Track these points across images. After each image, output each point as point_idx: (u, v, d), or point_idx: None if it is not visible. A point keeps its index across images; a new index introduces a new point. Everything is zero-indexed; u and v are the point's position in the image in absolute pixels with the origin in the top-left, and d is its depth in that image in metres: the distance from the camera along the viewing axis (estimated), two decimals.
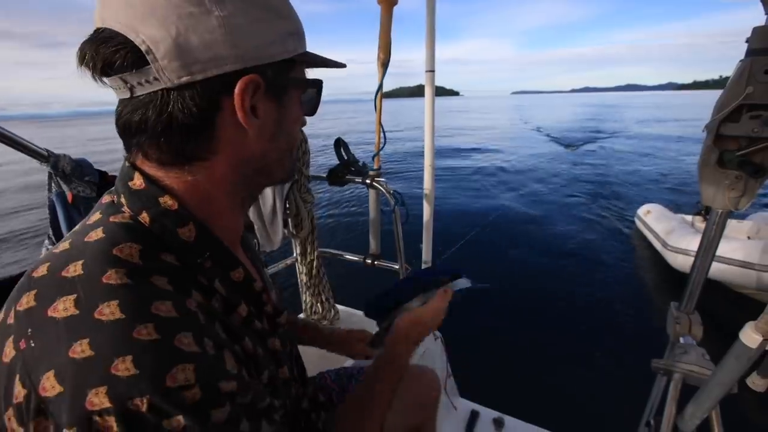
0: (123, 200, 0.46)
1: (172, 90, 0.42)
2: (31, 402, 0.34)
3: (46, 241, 1.13)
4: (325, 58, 0.56)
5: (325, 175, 1.58)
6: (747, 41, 0.86)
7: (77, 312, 0.36)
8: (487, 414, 1.94)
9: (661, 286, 5.19)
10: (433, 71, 1.42)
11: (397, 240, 1.58)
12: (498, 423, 1.88)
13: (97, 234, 0.42)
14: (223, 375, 0.39)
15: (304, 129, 1.49)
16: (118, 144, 0.49)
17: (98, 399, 0.33)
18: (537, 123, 32.04)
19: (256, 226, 1.46)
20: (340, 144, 1.51)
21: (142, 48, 0.40)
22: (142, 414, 0.33)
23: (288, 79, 0.51)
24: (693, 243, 4.84)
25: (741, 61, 0.88)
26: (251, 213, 1.76)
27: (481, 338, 3.98)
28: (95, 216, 0.46)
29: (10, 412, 0.35)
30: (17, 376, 0.35)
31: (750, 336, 0.82)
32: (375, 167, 1.55)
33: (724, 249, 4.47)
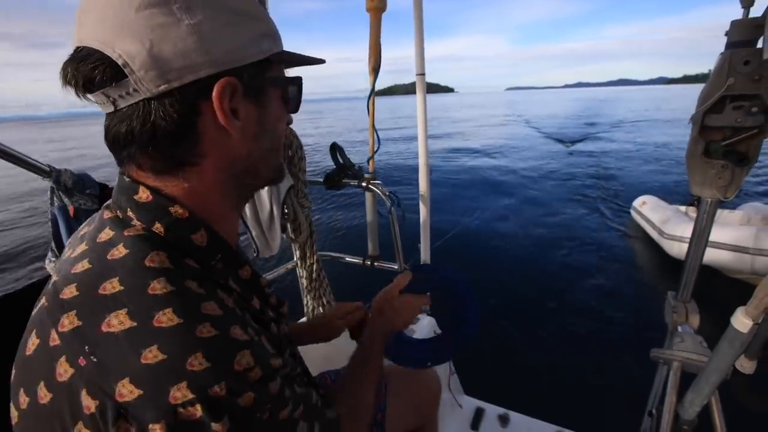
0: (131, 214, 0.48)
1: (152, 99, 0.44)
2: (107, 409, 0.37)
3: (49, 254, 1.15)
4: (302, 56, 0.58)
5: (322, 180, 1.60)
6: (726, 34, 0.89)
7: (135, 324, 0.39)
8: (492, 410, 1.95)
9: (660, 274, 5.23)
10: (423, 74, 1.45)
11: (395, 241, 1.59)
12: (503, 419, 1.89)
13: (120, 250, 0.44)
14: (270, 354, 0.46)
15: (300, 134, 1.51)
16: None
17: (181, 393, 0.37)
18: (532, 119, 32.13)
19: (254, 232, 1.47)
20: (335, 149, 1.53)
21: (119, 62, 0.42)
22: (222, 397, 0.38)
23: (265, 79, 0.52)
24: (689, 230, 4.88)
25: (721, 53, 0.90)
26: (250, 220, 1.78)
27: (483, 335, 3.99)
28: (106, 233, 0.47)
29: (80, 425, 0.38)
30: (84, 390, 0.38)
31: (741, 321, 0.84)
32: (370, 170, 1.58)
33: (719, 235, 4.52)
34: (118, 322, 0.39)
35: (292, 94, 0.58)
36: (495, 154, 15.22)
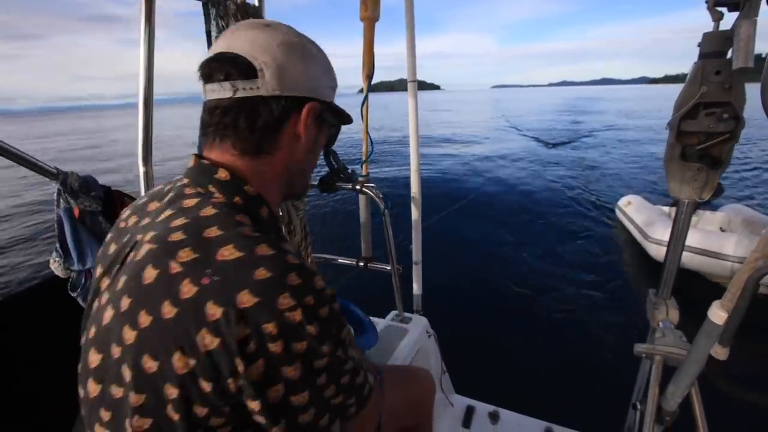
0: (212, 189, 0.62)
1: (265, 97, 0.63)
2: (230, 315, 0.48)
3: (54, 254, 1.16)
4: (346, 114, 0.81)
5: (316, 183, 1.62)
6: (698, 45, 0.95)
7: (242, 254, 0.52)
8: (482, 408, 1.98)
9: (644, 275, 5.34)
10: (415, 81, 1.49)
11: (388, 242, 1.63)
12: (493, 416, 1.93)
13: (209, 210, 0.58)
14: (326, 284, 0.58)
15: None
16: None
17: (286, 301, 0.50)
18: (517, 118, 32.36)
19: None
20: (329, 153, 1.56)
21: (257, 65, 0.62)
22: (311, 306, 0.52)
23: (327, 116, 0.74)
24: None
25: (695, 63, 0.96)
26: None
27: (472, 335, 4.04)
28: (191, 201, 0.60)
29: (204, 331, 0.48)
30: (210, 302, 0.49)
31: (716, 314, 0.89)
32: (364, 173, 1.61)
33: (700, 241, 4.65)
34: (228, 253, 0.52)
35: (333, 133, 0.82)
36: (478, 152, 15.30)
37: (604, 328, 4.13)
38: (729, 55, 0.91)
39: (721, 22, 0.91)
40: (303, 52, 0.67)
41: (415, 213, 1.71)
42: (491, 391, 2.14)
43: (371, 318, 1.30)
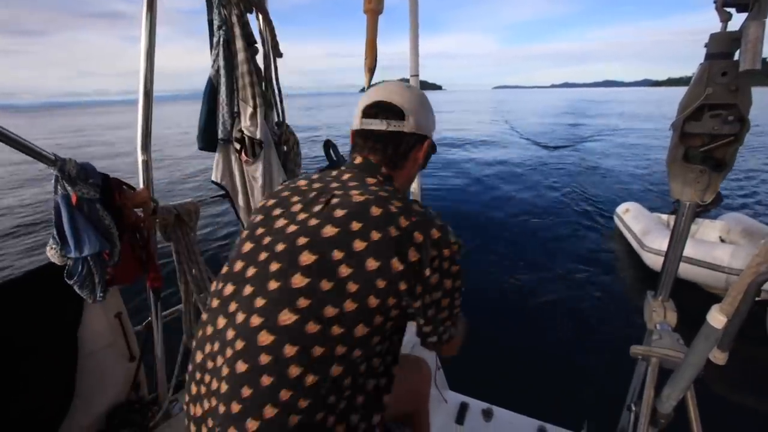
0: (380, 178, 0.91)
1: (407, 133, 0.93)
2: (427, 241, 0.76)
3: (51, 241, 1.15)
4: (435, 145, 1.06)
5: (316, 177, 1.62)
6: (705, 46, 0.94)
7: (423, 210, 0.81)
8: (476, 405, 1.99)
9: (640, 278, 5.34)
10: (417, 75, 1.48)
11: None
12: (487, 413, 1.94)
13: (387, 191, 0.84)
14: None
15: (295, 129, 1.53)
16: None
17: (452, 239, 0.80)
18: (518, 120, 32.32)
19: (246, 224, 1.50)
20: (329, 146, 1.55)
21: (406, 112, 0.92)
22: (458, 246, 0.81)
23: (431, 150, 1.02)
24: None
25: (701, 64, 0.95)
26: (242, 211, 1.79)
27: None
28: (371, 182, 0.89)
29: (412, 249, 0.74)
30: (416, 231, 0.75)
31: (716, 317, 0.89)
32: None
33: (697, 252, 4.65)
34: (417, 207, 0.81)
35: (428, 159, 1.04)
36: (478, 153, 15.30)
37: (599, 331, 4.14)
38: (736, 56, 0.90)
39: (729, 23, 0.90)
40: (426, 105, 0.97)
41: None
42: (485, 389, 2.14)
43: None
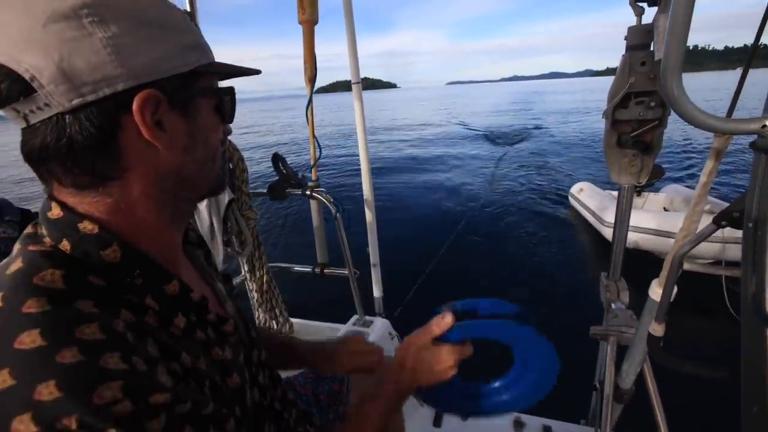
0: (43, 231, 0.48)
1: (66, 114, 0.43)
2: None
3: None
4: (235, 67, 0.58)
5: (265, 191, 1.58)
6: (625, 39, 0.99)
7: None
8: None
9: (601, 257, 5.52)
10: (359, 83, 1.48)
11: (343, 247, 1.61)
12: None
13: (17, 264, 0.43)
14: (156, 388, 0.41)
15: (240, 146, 1.49)
16: None
17: (24, 426, 0.34)
18: (471, 117, 32.93)
19: None
20: (278, 159, 1.53)
21: (26, 76, 0.41)
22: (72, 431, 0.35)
23: (193, 91, 0.53)
24: (633, 218, 5.29)
25: (623, 55, 1.00)
26: None
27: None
28: (16, 247, 0.47)
29: None
30: None
31: (655, 291, 0.94)
32: (313, 179, 1.58)
33: (651, 221, 4.94)
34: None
35: (225, 105, 0.58)
36: (428, 149, 15.43)
37: (566, 316, 4.23)
38: (652, 47, 0.96)
39: (643, 16, 0.96)
40: (94, 22, 0.42)
41: (369, 215, 1.70)
42: None
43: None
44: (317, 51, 1.48)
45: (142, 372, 0.40)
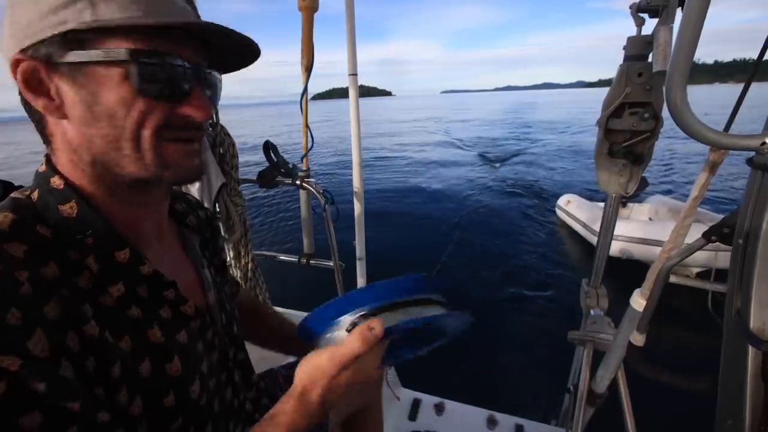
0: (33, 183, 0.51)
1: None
2: None
3: None
4: (138, 19, 0.45)
5: (255, 178, 1.56)
6: (624, 49, 1.00)
7: None
8: (428, 400, 2.01)
9: (584, 266, 5.63)
10: (355, 74, 1.47)
11: (330, 238, 1.60)
12: (439, 408, 1.96)
13: None
14: (11, 350, 0.37)
15: (232, 132, 1.46)
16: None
17: None
18: (460, 123, 33.04)
19: None
20: (269, 147, 1.51)
21: None
22: None
23: (81, 54, 0.44)
24: (619, 227, 5.40)
25: (620, 65, 1.02)
26: None
27: None
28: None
29: None
30: None
31: (637, 301, 0.95)
32: (304, 168, 1.57)
33: (632, 231, 5.04)
34: None
35: (143, 74, 0.46)
36: (422, 159, 15.48)
37: (545, 320, 4.32)
38: (650, 58, 0.97)
39: (643, 27, 0.97)
40: None
41: (357, 208, 1.69)
42: (437, 384, 2.17)
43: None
44: (315, 43, 1.47)
45: (11, 325, 0.37)
